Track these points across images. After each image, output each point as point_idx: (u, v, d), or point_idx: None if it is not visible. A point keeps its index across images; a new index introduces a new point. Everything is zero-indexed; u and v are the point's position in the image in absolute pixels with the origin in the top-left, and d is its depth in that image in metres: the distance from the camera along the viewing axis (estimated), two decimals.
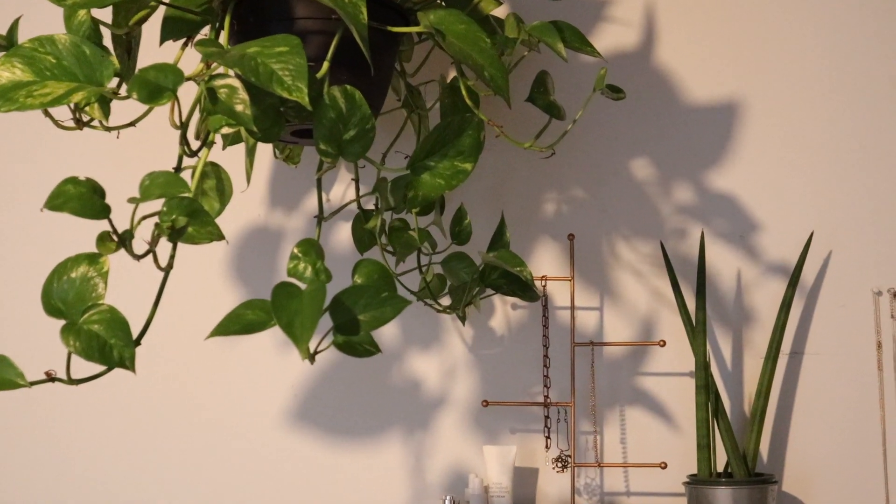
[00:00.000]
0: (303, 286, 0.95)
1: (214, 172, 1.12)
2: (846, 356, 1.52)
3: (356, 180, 1.23)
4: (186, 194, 0.94)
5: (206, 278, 1.60)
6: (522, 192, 1.58)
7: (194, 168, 1.04)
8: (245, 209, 1.60)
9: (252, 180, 1.53)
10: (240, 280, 1.61)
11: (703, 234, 1.50)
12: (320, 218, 1.12)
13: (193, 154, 1.01)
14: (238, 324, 0.97)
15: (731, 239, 1.55)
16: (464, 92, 1.21)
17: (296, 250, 1.02)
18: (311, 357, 0.94)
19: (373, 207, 1.32)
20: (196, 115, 1.03)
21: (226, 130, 0.96)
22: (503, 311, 1.56)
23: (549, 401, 1.46)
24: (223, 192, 1.13)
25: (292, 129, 1.20)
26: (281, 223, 1.61)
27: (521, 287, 1.28)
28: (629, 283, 1.56)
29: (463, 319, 1.38)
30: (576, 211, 1.57)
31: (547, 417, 1.46)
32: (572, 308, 1.49)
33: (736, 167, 1.56)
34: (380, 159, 1.42)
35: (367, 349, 0.99)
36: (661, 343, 1.47)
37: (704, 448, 1.42)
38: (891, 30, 1.57)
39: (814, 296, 1.53)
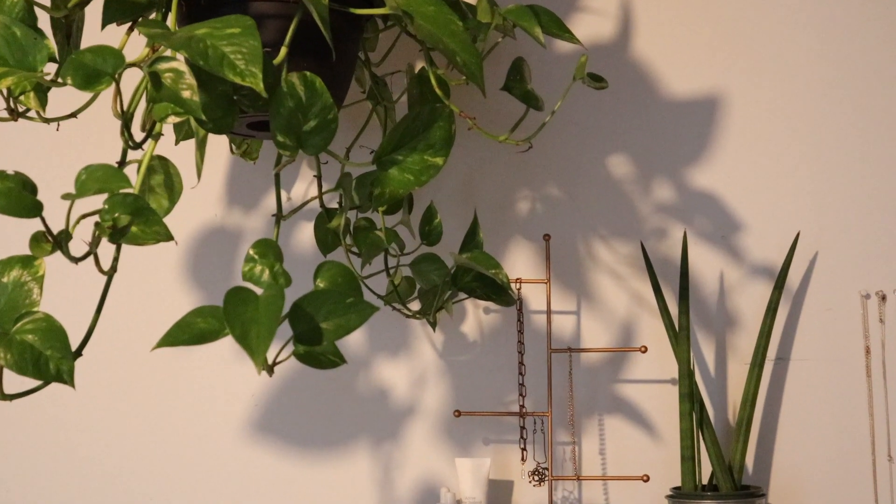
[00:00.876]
0: (259, 291, 0.86)
1: (162, 167, 1.03)
2: (833, 362, 1.44)
3: (318, 176, 1.13)
4: (128, 190, 0.84)
5: (156, 283, 1.51)
6: (495, 189, 1.49)
7: (139, 162, 0.94)
8: (201, 208, 1.51)
9: (208, 177, 1.44)
10: (194, 285, 1.51)
11: (685, 234, 1.42)
12: (279, 217, 1.03)
13: (137, 146, 0.91)
14: (188, 333, 0.88)
15: (713, 239, 1.47)
16: (433, 81, 1.12)
17: (251, 252, 0.93)
18: (270, 369, 0.85)
19: (336, 206, 1.23)
20: (142, 105, 0.93)
21: (173, 120, 0.87)
22: (475, 315, 1.48)
23: (524, 410, 1.38)
24: (172, 189, 1.03)
25: (248, 121, 1.11)
26: (239, 223, 1.51)
27: (496, 290, 1.19)
28: (607, 286, 1.47)
29: (433, 325, 1.29)
30: (551, 210, 1.48)
31: (523, 428, 1.37)
32: (548, 312, 1.40)
33: (718, 164, 1.48)
34: (343, 154, 1.33)
35: (331, 360, 0.90)
36: (643, 349, 1.38)
37: (689, 460, 1.34)
38: (881, 22, 1.50)
39: (800, 299, 1.46)
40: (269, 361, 0.84)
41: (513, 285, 1.40)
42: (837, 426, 1.43)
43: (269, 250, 0.92)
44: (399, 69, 1.33)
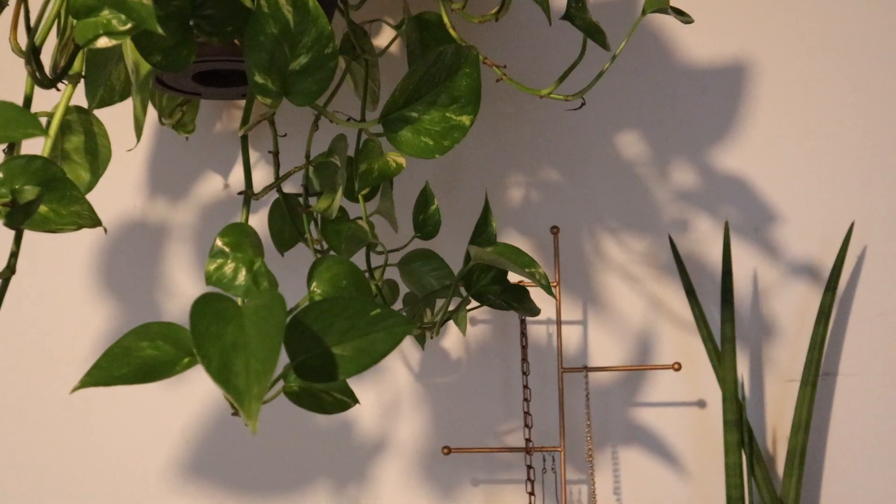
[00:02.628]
0: (238, 300, 0.56)
1: (83, 125, 0.72)
2: (888, 376, 1.19)
3: (275, 153, 0.84)
4: (40, 145, 0.54)
5: (74, 288, 1.18)
6: (482, 173, 1.20)
7: (50, 115, 0.64)
8: (117, 194, 1.19)
9: (132, 156, 1.12)
10: (132, 291, 1.19)
11: (727, 225, 1.14)
12: (248, 194, 0.72)
13: (51, 84, 0.60)
14: (127, 366, 0.57)
15: (745, 232, 1.21)
16: (445, 18, 0.83)
17: (220, 243, 0.63)
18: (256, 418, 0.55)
19: (297, 191, 0.94)
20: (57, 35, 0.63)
21: (104, 43, 0.56)
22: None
23: (531, 445, 1.09)
24: (96, 156, 0.72)
25: (194, 71, 0.80)
26: (165, 216, 1.19)
27: (519, 296, 0.90)
28: (619, 290, 1.20)
29: (423, 341, 1.01)
30: (551, 198, 1.20)
31: (530, 468, 1.09)
32: (559, 322, 1.12)
33: (748, 143, 1.22)
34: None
35: (340, 400, 0.61)
36: (676, 367, 1.11)
37: (738, 501, 1.07)
38: None
39: (847, 302, 1.20)
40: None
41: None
42: (894, 451, 1.18)
43: (244, 239, 0.62)
44: (379, 17, 1.04)
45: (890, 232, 1.20)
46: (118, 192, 1.18)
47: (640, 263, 1.20)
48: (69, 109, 0.69)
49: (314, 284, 0.65)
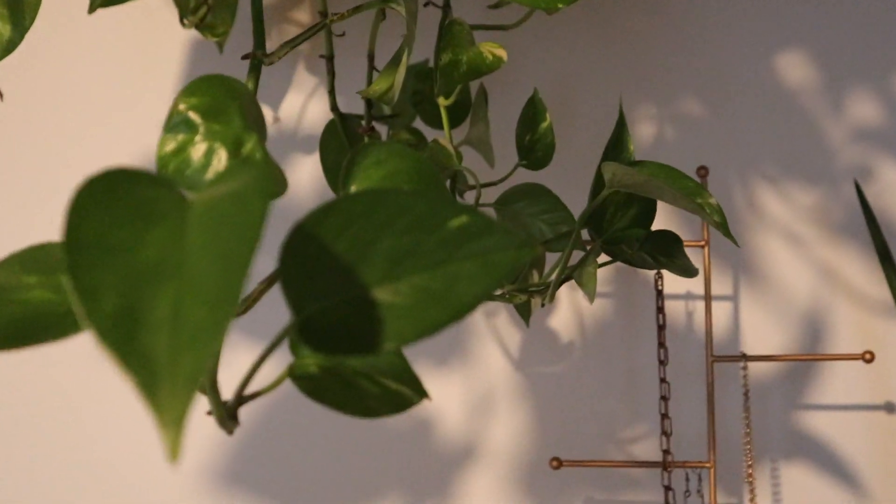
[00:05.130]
0: (189, 195, 0.28)
1: None
2: None
3: (328, 54, 0.55)
4: None
5: None
6: (604, 103, 0.91)
7: None
8: (141, 129, 0.92)
9: (159, 81, 0.85)
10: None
11: None
12: (257, 56, 0.44)
13: None
14: None
15: None
16: None
17: (183, 107, 0.35)
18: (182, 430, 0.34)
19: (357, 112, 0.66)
20: None
21: None
22: (570, 300, 0.89)
23: (671, 459, 0.79)
24: (20, 4, 0.45)
25: None
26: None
27: (669, 248, 0.61)
28: (779, 255, 0.89)
29: (528, 315, 0.71)
30: (692, 137, 0.90)
31: (668, 489, 0.79)
32: (707, 297, 0.81)
33: None
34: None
35: (394, 393, 0.32)
36: (867, 357, 0.79)
37: None
38: None
39: None
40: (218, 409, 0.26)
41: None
42: None
43: (228, 102, 0.34)
44: None
45: None
46: (142, 126, 0.92)
47: (808, 221, 0.89)
48: None
49: (352, 187, 0.37)
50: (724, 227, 0.51)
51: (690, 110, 0.90)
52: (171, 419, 0.20)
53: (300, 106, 0.91)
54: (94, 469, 0.90)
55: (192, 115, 0.34)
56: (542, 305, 0.62)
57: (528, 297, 0.63)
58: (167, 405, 0.21)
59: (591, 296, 0.56)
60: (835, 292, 0.88)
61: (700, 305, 0.87)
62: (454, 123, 0.73)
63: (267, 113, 0.92)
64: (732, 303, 0.88)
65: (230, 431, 0.32)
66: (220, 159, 0.33)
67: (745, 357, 0.79)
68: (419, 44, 0.79)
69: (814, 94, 0.90)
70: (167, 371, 0.21)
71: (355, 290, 0.28)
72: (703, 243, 0.80)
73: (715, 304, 0.88)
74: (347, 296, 0.28)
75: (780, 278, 0.88)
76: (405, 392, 0.32)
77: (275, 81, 0.92)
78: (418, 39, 0.75)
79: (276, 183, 0.32)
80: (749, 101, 0.90)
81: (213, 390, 0.31)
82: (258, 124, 0.34)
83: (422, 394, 0.34)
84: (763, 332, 0.88)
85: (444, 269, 0.28)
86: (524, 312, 0.72)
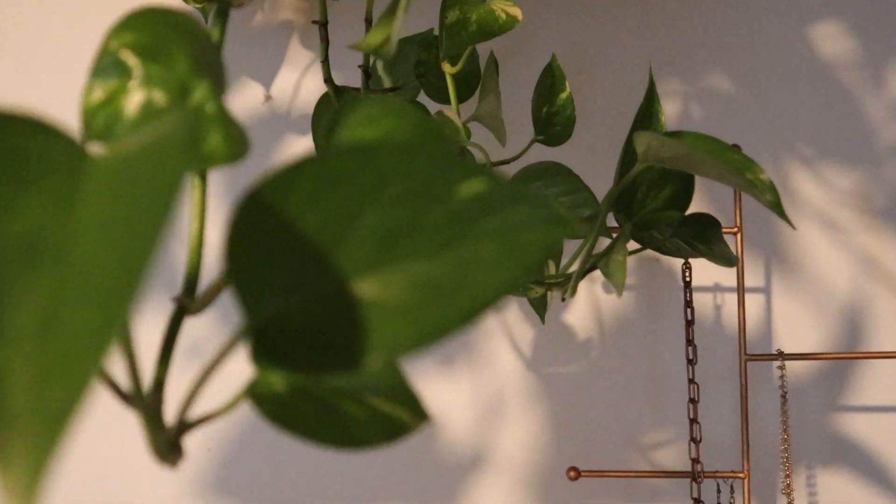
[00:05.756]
0: (96, 150, 0.20)
1: None
2: None
3: (322, 20, 0.48)
4: None
5: None
6: (630, 78, 0.83)
7: None
8: None
9: None
10: None
11: None
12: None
13: None
14: None
15: None
16: None
17: (115, 45, 0.27)
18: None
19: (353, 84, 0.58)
20: None
21: None
22: (588, 293, 0.81)
23: (700, 468, 0.71)
24: None
25: None
26: None
27: (706, 233, 0.53)
28: (815, 243, 0.81)
29: (544, 310, 0.63)
30: (722, 114, 0.82)
31: (698, 501, 0.70)
32: (741, 289, 0.73)
33: None
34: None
35: (386, 418, 0.24)
36: None
37: None
38: None
39: None
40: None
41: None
42: None
43: (173, 39, 0.26)
44: None
45: None
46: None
47: (847, 206, 0.81)
48: None
49: (344, 128, 0.29)
50: (778, 207, 0.43)
51: (719, 86, 0.82)
52: (22, 481, 0.13)
53: (294, 83, 0.83)
54: (91, 469, 0.83)
55: (126, 56, 0.26)
56: (563, 300, 0.54)
57: (545, 290, 0.55)
58: (17, 459, 0.13)
59: (620, 288, 0.48)
60: (876, 284, 0.80)
61: (729, 298, 0.79)
62: (462, 98, 0.65)
63: (258, 91, 0.84)
64: (765, 296, 0.80)
65: (173, 464, 0.24)
66: (158, 93, 0.25)
67: (783, 356, 0.71)
68: (424, 8, 0.71)
69: (853, 69, 0.81)
70: (25, 408, 0.13)
71: (331, 282, 0.20)
72: (735, 230, 0.72)
73: (747, 298, 0.80)
74: (320, 291, 0.20)
75: (817, 269, 0.80)
76: (400, 415, 0.24)
77: (266, 56, 0.84)
78: (422, 2, 0.67)
79: (233, 143, 0.24)
80: (782, 76, 0.82)
81: (149, 412, 0.23)
82: (215, 73, 0.27)
83: (422, 416, 0.26)
84: (798, 328, 0.80)
85: (453, 254, 0.20)
86: (540, 307, 0.64)
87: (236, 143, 0.24)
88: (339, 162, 0.21)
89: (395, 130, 0.28)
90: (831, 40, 0.82)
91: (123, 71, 0.25)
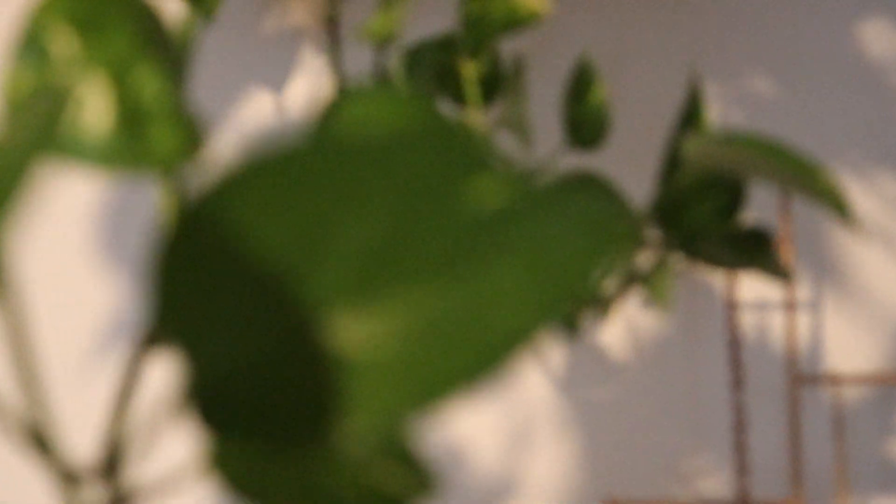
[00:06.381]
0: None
1: None
2: None
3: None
4: None
5: (70, 266, 0.79)
6: (661, 78, 0.77)
7: None
8: None
9: None
10: (122, 263, 0.79)
11: None
12: None
13: None
14: None
15: None
16: None
17: (40, 20, 0.22)
18: None
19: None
20: None
21: None
22: (621, 310, 0.76)
23: (749, 497, 0.65)
24: None
25: None
26: None
27: (758, 246, 0.47)
28: (869, 255, 0.75)
29: (577, 328, 0.58)
30: (762, 117, 0.76)
31: None
32: (791, 306, 0.67)
33: None
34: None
35: (393, 496, 0.19)
36: None
37: None
38: None
39: None
40: None
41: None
42: None
43: (110, 14, 0.21)
44: None
45: None
46: None
47: None
48: None
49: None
50: (853, 222, 0.37)
51: (760, 88, 0.76)
52: None
53: (306, 90, 0.78)
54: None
55: (53, 31, 0.21)
56: (600, 319, 0.48)
57: (578, 312, 0.49)
58: None
59: (668, 307, 0.43)
60: None
61: (774, 315, 0.73)
62: (485, 101, 0.60)
63: (267, 100, 0.79)
64: (815, 312, 0.74)
65: None
66: (96, 98, 0.20)
67: (837, 378, 0.65)
68: (442, 7, 0.66)
69: None
70: None
71: (299, 320, 0.15)
72: (782, 240, 0.66)
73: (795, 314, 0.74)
74: (284, 334, 0.15)
75: (870, 283, 0.74)
76: (401, 487, 0.19)
77: (276, 64, 0.79)
78: (440, 2, 0.62)
79: (179, 138, 0.19)
80: (829, 78, 0.76)
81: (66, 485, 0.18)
82: (167, 56, 0.21)
83: (428, 487, 0.20)
84: (850, 347, 0.74)
85: (463, 278, 0.15)
86: (571, 326, 0.59)
87: (184, 138, 0.19)
88: (312, 160, 0.15)
89: (393, 120, 0.23)
90: (882, 39, 0.76)
91: (38, 52, 0.20)
